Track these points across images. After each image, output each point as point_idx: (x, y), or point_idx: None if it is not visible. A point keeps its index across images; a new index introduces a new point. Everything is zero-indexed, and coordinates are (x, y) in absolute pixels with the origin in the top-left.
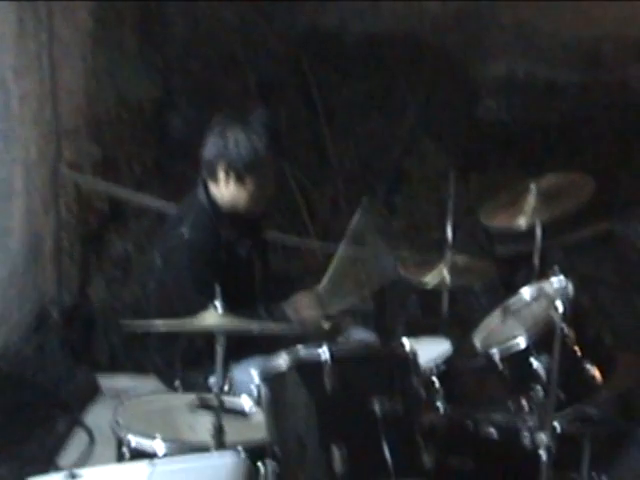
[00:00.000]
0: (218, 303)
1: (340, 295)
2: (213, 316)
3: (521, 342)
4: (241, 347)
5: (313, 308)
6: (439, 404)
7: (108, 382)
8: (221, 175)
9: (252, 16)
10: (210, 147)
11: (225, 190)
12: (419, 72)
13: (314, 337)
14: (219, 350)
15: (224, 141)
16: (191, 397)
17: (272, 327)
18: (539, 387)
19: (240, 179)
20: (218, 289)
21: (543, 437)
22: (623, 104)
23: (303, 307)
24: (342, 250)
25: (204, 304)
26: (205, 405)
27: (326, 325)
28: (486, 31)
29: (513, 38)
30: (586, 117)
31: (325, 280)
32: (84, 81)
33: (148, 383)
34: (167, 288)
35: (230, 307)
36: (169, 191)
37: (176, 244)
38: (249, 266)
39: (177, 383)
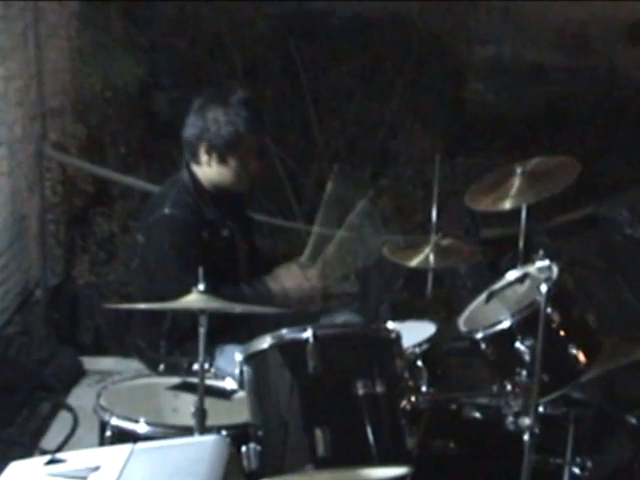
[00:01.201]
0: (200, 283)
1: (322, 272)
2: (196, 296)
3: (505, 325)
4: (225, 330)
5: (295, 279)
6: (423, 387)
7: (92, 364)
8: (203, 155)
9: None
10: (190, 128)
11: (208, 170)
12: (406, 54)
13: (296, 309)
14: (202, 331)
15: (204, 121)
16: (175, 380)
17: (255, 307)
18: (523, 370)
19: (222, 158)
20: (201, 269)
21: (527, 421)
22: (610, 87)
23: (285, 278)
24: (319, 223)
25: (187, 284)
26: (187, 387)
27: (310, 298)
28: (474, 14)
29: (500, 21)
30: (573, 99)
31: (305, 255)
32: (69, 62)
33: (132, 365)
34: (150, 267)
35: (213, 287)
36: (154, 172)
37: (158, 222)
38: (233, 246)
39: (161, 367)
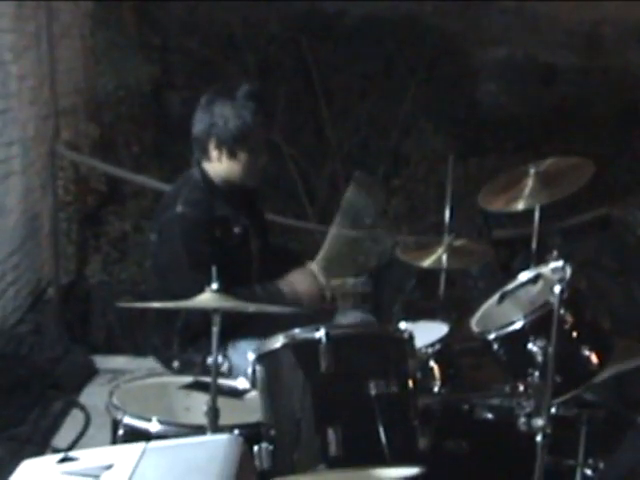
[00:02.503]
0: (214, 282)
1: (335, 272)
2: (209, 295)
3: (518, 326)
4: (239, 325)
5: (308, 284)
6: (435, 387)
7: (104, 362)
8: (212, 151)
9: None
10: (199, 124)
11: (218, 165)
12: (419, 55)
13: (310, 313)
14: (215, 330)
15: (212, 117)
16: (187, 379)
17: (268, 307)
18: (536, 371)
19: (232, 153)
20: (214, 268)
21: (540, 421)
22: (623, 87)
23: (298, 283)
24: (336, 226)
25: (200, 282)
26: (200, 386)
27: (322, 300)
28: (486, 14)
29: (513, 22)
30: (586, 100)
31: (320, 256)
32: (82, 61)
33: (144, 364)
34: (163, 266)
35: (226, 285)
36: (167, 171)
37: (170, 221)
38: (245, 242)
39: (176, 364)
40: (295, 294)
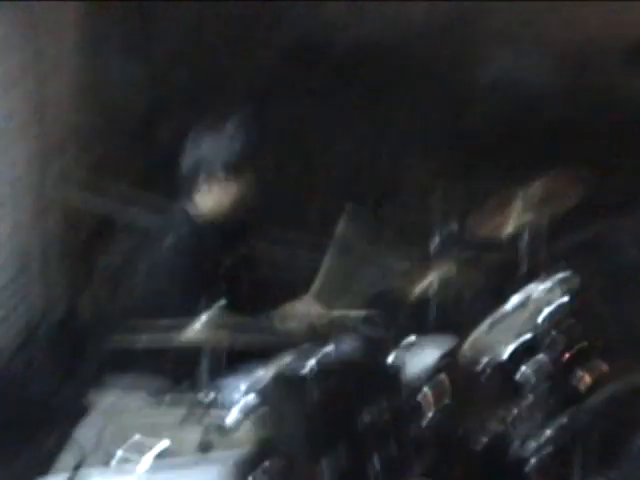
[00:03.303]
0: (204, 316)
1: (328, 303)
2: (199, 328)
3: (510, 350)
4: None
5: (300, 318)
6: (429, 413)
7: (97, 398)
8: (202, 184)
9: (239, 27)
10: (188, 159)
11: (208, 198)
12: (406, 81)
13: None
14: (205, 362)
15: (201, 151)
16: (179, 412)
17: (258, 340)
18: (529, 395)
19: (221, 185)
20: (204, 303)
21: (533, 445)
22: (610, 109)
23: (290, 317)
24: (329, 258)
25: (192, 313)
26: (192, 419)
27: (313, 331)
28: (472, 39)
29: (499, 45)
30: (572, 122)
31: (313, 289)
32: (70, 96)
33: (137, 398)
34: (154, 298)
35: (218, 317)
36: (157, 205)
37: (160, 253)
38: (235, 275)
39: (167, 398)
40: (286, 328)
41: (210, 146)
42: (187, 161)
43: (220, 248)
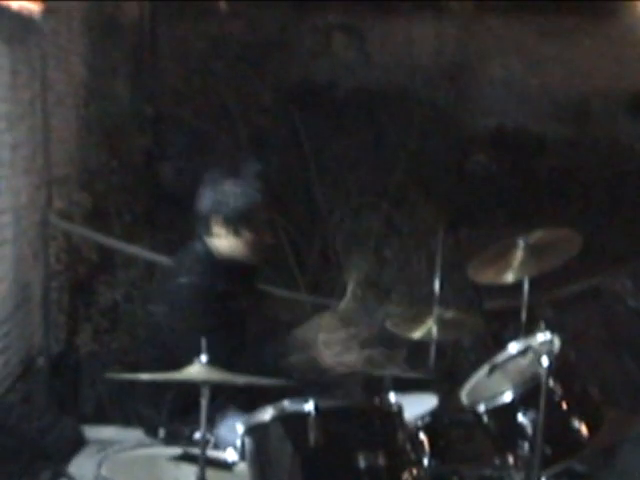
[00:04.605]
0: (203, 355)
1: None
2: (199, 368)
3: (507, 398)
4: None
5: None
6: (425, 459)
7: (93, 433)
8: (216, 228)
9: (244, 69)
10: (205, 202)
11: (221, 242)
12: (409, 126)
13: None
14: (203, 402)
15: (218, 195)
16: (176, 450)
17: (258, 380)
18: (526, 443)
19: (236, 231)
20: (204, 341)
21: None
22: (612, 159)
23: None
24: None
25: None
26: (189, 458)
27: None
28: (476, 85)
29: (503, 92)
30: (575, 172)
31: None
32: (76, 130)
33: (134, 434)
34: (162, 335)
35: (220, 357)
36: (159, 241)
37: (174, 291)
38: (243, 318)
39: (161, 434)
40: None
41: (227, 191)
42: (203, 202)
43: (229, 292)
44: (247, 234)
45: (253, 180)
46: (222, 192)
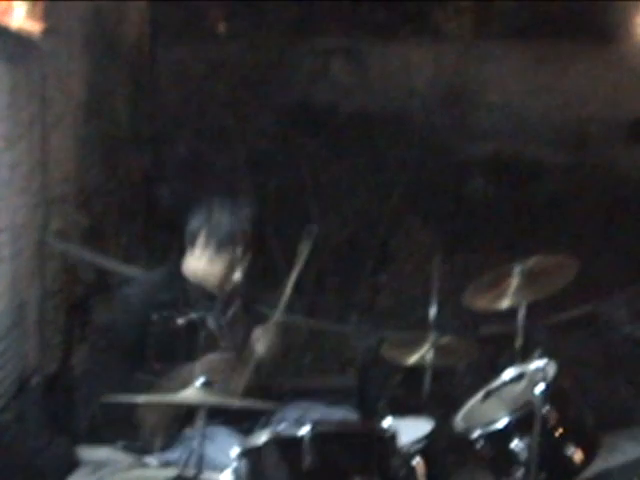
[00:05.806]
0: (199, 379)
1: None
2: (194, 391)
3: (502, 424)
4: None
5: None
6: None
7: (88, 453)
8: (199, 244)
9: (243, 91)
10: (194, 217)
11: (199, 262)
12: (407, 151)
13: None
14: (200, 424)
15: (208, 212)
16: (169, 471)
17: (251, 402)
18: (520, 469)
19: (216, 251)
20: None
21: None
22: (609, 185)
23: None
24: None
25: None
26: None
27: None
28: (474, 111)
29: (501, 118)
30: (572, 198)
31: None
32: (74, 150)
33: (128, 455)
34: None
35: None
36: (155, 262)
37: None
38: (209, 345)
39: (151, 459)
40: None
41: (218, 212)
42: (193, 220)
43: (198, 317)
44: (224, 259)
45: (245, 210)
46: (212, 210)
